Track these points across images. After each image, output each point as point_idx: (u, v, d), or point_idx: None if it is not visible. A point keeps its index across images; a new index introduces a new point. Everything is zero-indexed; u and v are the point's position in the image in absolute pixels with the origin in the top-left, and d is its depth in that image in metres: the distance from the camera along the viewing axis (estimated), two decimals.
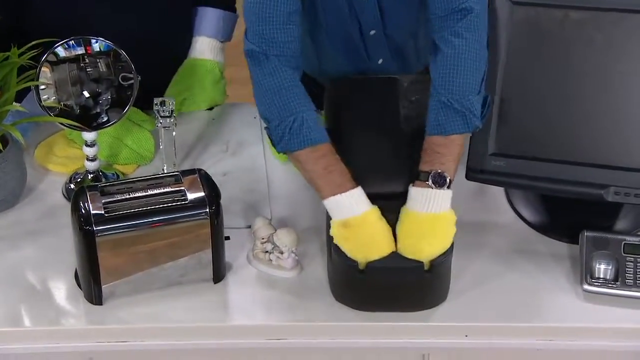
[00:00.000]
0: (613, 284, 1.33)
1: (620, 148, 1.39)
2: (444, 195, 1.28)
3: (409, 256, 1.28)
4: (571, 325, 1.32)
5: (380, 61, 1.57)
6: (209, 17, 1.70)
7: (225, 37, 1.72)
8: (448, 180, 1.28)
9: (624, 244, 1.37)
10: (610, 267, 1.34)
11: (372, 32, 1.51)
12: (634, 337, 1.32)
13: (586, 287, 1.34)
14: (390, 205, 1.30)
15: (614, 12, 1.35)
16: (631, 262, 1.35)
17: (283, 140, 1.32)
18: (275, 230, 1.37)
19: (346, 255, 1.28)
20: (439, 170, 1.28)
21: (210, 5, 1.70)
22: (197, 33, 1.70)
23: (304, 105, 1.33)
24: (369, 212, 1.28)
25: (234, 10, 1.73)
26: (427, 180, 1.28)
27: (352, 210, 1.28)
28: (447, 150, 1.30)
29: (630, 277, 1.34)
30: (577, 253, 1.39)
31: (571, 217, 1.45)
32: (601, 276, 1.34)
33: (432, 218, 1.28)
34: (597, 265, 1.35)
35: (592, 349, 1.33)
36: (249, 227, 1.42)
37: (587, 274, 1.35)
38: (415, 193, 1.29)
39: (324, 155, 1.31)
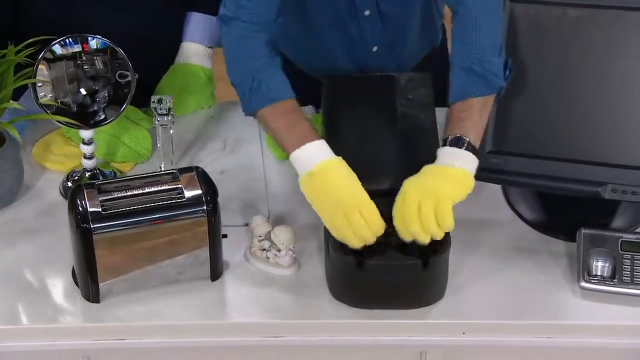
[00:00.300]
0: (610, 282, 1.34)
1: (618, 146, 1.39)
2: (464, 155, 1.27)
3: (420, 188, 1.24)
4: (568, 322, 1.32)
5: (374, 49, 1.56)
6: (196, 22, 1.70)
7: (213, 42, 1.72)
8: (467, 141, 1.27)
9: (621, 241, 1.37)
10: (607, 265, 1.35)
11: (367, 13, 1.50)
12: (631, 334, 1.32)
13: (583, 284, 1.34)
14: (387, 202, 1.29)
15: (613, 10, 1.35)
16: (628, 259, 1.35)
17: (245, 101, 1.33)
18: (273, 228, 1.37)
19: (343, 252, 1.28)
20: (458, 134, 1.27)
21: (199, 11, 1.70)
22: (185, 38, 1.71)
23: (264, 65, 1.33)
24: (332, 160, 1.27)
25: None
26: (446, 144, 1.28)
27: (315, 159, 1.26)
28: (469, 114, 1.30)
29: (627, 274, 1.34)
30: (574, 250, 1.39)
31: (569, 215, 1.45)
32: (598, 273, 1.34)
33: (446, 169, 1.26)
34: (595, 263, 1.35)
35: (590, 346, 1.33)
36: (247, 225, 1.42)
37: (584, 272, 1.35)
38: (447, 152, 1.28)
39: (286, 112, 1.31)
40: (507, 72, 1.34)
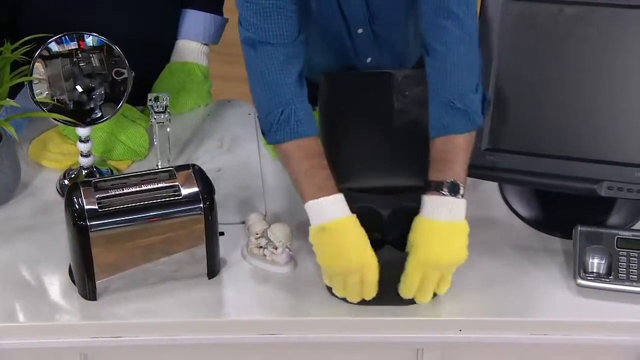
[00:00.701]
0: (606, 278, 1.34)
1: (614, 143, 1.39)
2: (460, 204, 1.27)
3: (427, 264, 1.26)
4: (565, 319, 1.32)
5: (368, 60, 1.56)
6: (192, 19, 1.70)
7: (209, 40, 1.71)
8: (462, 189, 1.27)
9: (617, 238, 1.37)
10: (603, 262, 1.35)
11: (360, 31, 1.50)
12: (627, 331, 1.32)
13: (579, 281, 1.34)
14: (383, 200, 1.30)
15: (608, 8, 1.35)
16: (624, 256, 1.36)
17: (271, 131, 1.32)
18: (270, 226, 1.37)
19: None
20: (453, 180, 1.27)
21: (194, 8, 1.70)
22: (180, 36, 1.71)
23: (294, 96, 1.31)
24: (344, 218, 1.26)
25: (220, 13, 1.73)
26: (442, 190, 1.26)
27: (328, 215, 1.26)
28: (456, 155, 1.29)
29: (623, 271, 1.34)
30: (570, 248, 1.39)
31: (565, 212, 1.46)
32: (594, 270, 1.35)
33: (452, 226, 1.27)
34: (591, 260, 1.35)
35: (586, 343, 1.33)
36: (243, 222, 1.43)
37: (580, 269, 1.35)
38: (432, 201, 1.27)
39: (310, 155, 1.29)
40: (485, 106, 1.33)
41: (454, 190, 1.27)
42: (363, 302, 1.31)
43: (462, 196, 1.27)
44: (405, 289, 1.29)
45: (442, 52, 1.31)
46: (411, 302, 1.31)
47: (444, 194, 1.27)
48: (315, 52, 1.56)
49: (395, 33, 1.55)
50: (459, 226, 1.27)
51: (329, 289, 1.33)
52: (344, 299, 1.31)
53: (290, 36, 1.32)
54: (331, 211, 1.26)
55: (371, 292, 1.28)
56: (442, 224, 1.27)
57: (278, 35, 1.32)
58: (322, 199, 1.27)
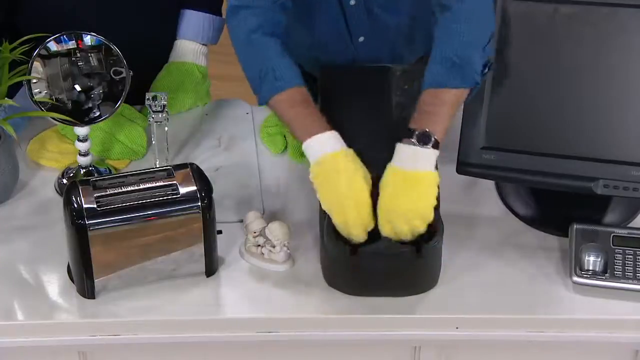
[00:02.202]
0: (602, 276, 1.34)
1: (610, 141, 1.40)
2: (428, 154, 1.27)
3: (387, 213, 1.26)
4: (561, 316, 1.33)
5: (361, 39, 1.55)
6: (190, 19, 1.70)
7: (208, 40, 1.72)
8: (433, 139, 1.27)
9: (613, 236, 1.38)
10: (599, 259, 1.35)
11: (352, 2, 1.50)
12: (623, 328, 1.33)
13: (576, 279, 1.35)
14: (378, 191, 1.30)
15: (605, 7, 1.36)
16: (620, 254, 1.36)
17: (257, 92, 1.36)
18: (267, 224, 1.37)
19: (337, 239, 1.28)
20: (426, 129, 1.27)
21: (193, 8, 1.70)
22: (178, 36, 1.71)
23: (271, 54, 1.35)
24: (335, 152, 1.28)
25: (219, 13, 1.73)
26: (412, 138, 1.27)
27: (319, 152, 1.28)
28: (439, 109, 1.29)
29: (619, 269, 1.35)
30: (566, 245, 1.40)
31: (561, 210, 1.46)
32: (590, 268, 1.35)
33: (413, 175, 1.27)
34: (587, 258, 1.36)
35: (582, 340, 1.34)
36: (241, 221, 1.43)
37: (576, 266, 1.36)
38: (400, 149, 1.28)
39: (296, 103, 1.32)
40: (486, 70, 1.33)
41: (423, 140, 1.27)
42: (362, 293, 1.31)
43: (434, 147, 1.27)
44: (382, 231, 1.28)
45: (456, 8, 1.32)
46: (408, 292, 1.32)
47: (413, 143, 1.27)
48: (310, 35, 1.56)
49: (388, 10, 1.53)
50: (424, 176, 1.27)
51: (327, 276, 1.32)
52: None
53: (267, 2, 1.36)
54: (324, 147, 1.29)
55: (366, 223, 1.27)
56: (406, 173, 1.27)
57: (256, 1, 1.36)
58: (315, 136, 1.29)
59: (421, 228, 1.28)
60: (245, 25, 1.37)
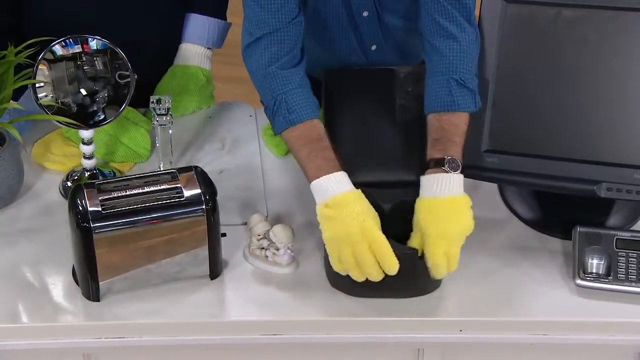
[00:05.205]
0: (605, 279, 1.35)
1: (613, 144, 1.40)
2: (459, 179, 1.29)
3: (436, 242, 1.27)
4: (564, 319, 1.33)
5: (373, 47, 1.57)
6: (195, 23, 1.71)
7: (212, 44, 1.72)
8: (461, 165, 1.30)
9: (616, 239, 1.38)
10: (602, 262, 1.36)
11: (365, 14, 1.51)
12: (626, 331, 1.33)
13: (579, 282, 1.35)
14: (383, 194, 1.30)
15: (607, 10, 1.36)
16: (623, 257, 1.36)
17: (271, 123, 1.36)
18: (271, 227, 1.37)
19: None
20: (453, 157, 1.30)
21: (198, 12, 1.71)
22: (183, 39, 1.72)
23: (284, 85, 1.34)
24: (346, 193, 1.28)
25: (224, 17, 1.74)
26: (444, 166, 1.29)
27: (329, 192, 1.28)
28: (458, 131, 1.32)
29: (622, 271, 1.35)
30: (570, 248, 1.40)
31: (564, 213, 1.47)
32: (594, 271, 1.35)
33: (453, 200, 1.28)
34: (590, 261, 1.36)
35: (585, 343, 1.34)
36: (245, 224, 1.43)
37: (580, 269, 1.36)
38: (432, 180, 1.29)
39: (308, 141, 1.32)
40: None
41: (454, 166, 1.29)
42: (366, 294, 1.31)
43: (461, 172, 1.29)
44: (434, 266, 1.28)
45: (460, 37, 1.36)
46: (411, 294, 1.32)
47: (445, 171, 1.29)
48: (319, 46, 1.56)
49: (400, 18, 1.54)
50: (461, 200, 1.29)
51: (331, 276, 1.33)
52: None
53: (284, 31, 1.36)
54: (333, 188, 1.28)
55: (391, 264, 1.25)
56: (445, 199, 1.28)
57: (273, 31, 1.35)
58: (323, 177, 1.29)
59: (459, 250, 1.29)
60: (262, 59, 1.36)
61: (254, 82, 1.39)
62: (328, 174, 1.29)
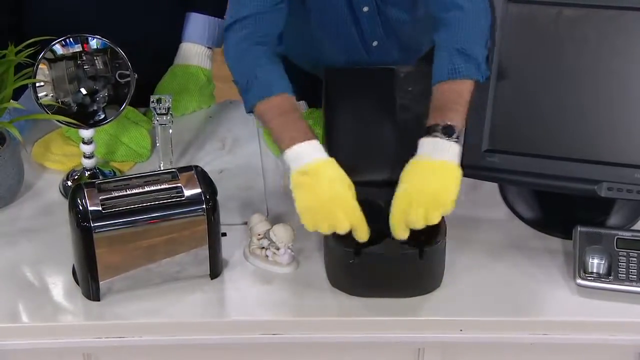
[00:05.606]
0: (606, 279, 1.35)
1: (613, 144, 1.40)
2: (453, 147, 1.27)
3: (410, 195, 1.25)
4: (565, 319, 1.33)
5: (374, 43, 1.56)
6: (195, 22, 1.71)
7: (213, 43, 1.72)
8: (457, 131, 1.28)
9: (617, 238, 1.38)
10: (603, 262, 1.36)
11: (365, 9, 1.50)
12: (627, 330, 1.33)
13: (579, 281, 1.35)
14: (383, 193, 1.30)
15: (608, 10, 1.36)
16: (624, 256, 1.36)
17: (244, 100, 1.36)
18: (272, 227, 1.37)
19: (342, 241, 1.28)
20: (448, 123, 1.28)
21: (198, 11, 1.71)
22: (184, 38, 1.72)
23: (255, 61, 1.35)
24: (318, 161, 1.27)
25: (223, 16, 1.74)
26: (436, 133, 1.27)
27: (302, 160, 1.28)
28: (460, 99, 1.30)
29: (622, 271, 1.35)
30: (570, 248, 1.40)
31: (565, 213, 1.46)
32: (594, 271, 1.35)
33: (441, 164, 1.26)
34: (591, 260, 1.36)
35: (586, 343, 1.34)
36: (246, 223, 1.43)
37: (580, 269, 1.36)
38: (425, 143, 1.28)
39: (281, 112, 1.32)
40: (488, 65, 1.36)
41: (447, 133, 1.27)
42: (366, 294, 1.31)
43: (457, 140, 1.28)
44: (392, 219, 1.27)
45: (467, 6, 1.35)
46: (411, 294, 1.32)
47: (436, 136, 1.27)
48: (319, 44, 1.56)
49: (403, 10, 1.54)
50: (448, 166, 1.26)
51: (331, 276, 1.33)
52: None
53: (270, 1, 1.36)
54: (307, 156, 1.28)
55: (355, 226, 1.25)
56: (431, 162, 1.26)
57: (248, 17, 1.36)
58: (295, 146, 1.28)
59: (436, 219, 1.26)
60: (235, 37, 1.38)
61: (227, 61, 1.39)
62: (302, 142, 1.29)
